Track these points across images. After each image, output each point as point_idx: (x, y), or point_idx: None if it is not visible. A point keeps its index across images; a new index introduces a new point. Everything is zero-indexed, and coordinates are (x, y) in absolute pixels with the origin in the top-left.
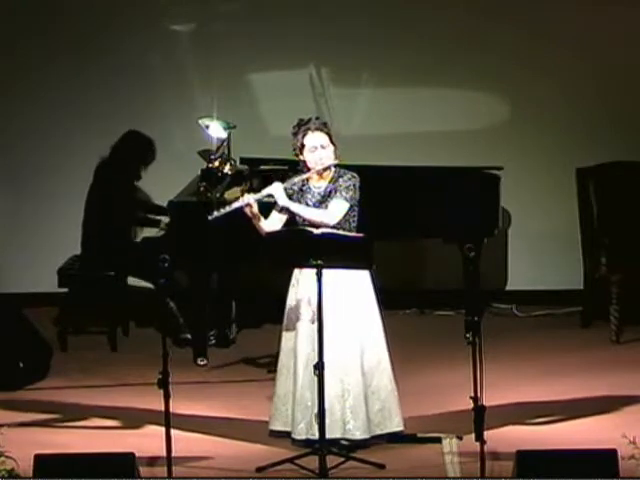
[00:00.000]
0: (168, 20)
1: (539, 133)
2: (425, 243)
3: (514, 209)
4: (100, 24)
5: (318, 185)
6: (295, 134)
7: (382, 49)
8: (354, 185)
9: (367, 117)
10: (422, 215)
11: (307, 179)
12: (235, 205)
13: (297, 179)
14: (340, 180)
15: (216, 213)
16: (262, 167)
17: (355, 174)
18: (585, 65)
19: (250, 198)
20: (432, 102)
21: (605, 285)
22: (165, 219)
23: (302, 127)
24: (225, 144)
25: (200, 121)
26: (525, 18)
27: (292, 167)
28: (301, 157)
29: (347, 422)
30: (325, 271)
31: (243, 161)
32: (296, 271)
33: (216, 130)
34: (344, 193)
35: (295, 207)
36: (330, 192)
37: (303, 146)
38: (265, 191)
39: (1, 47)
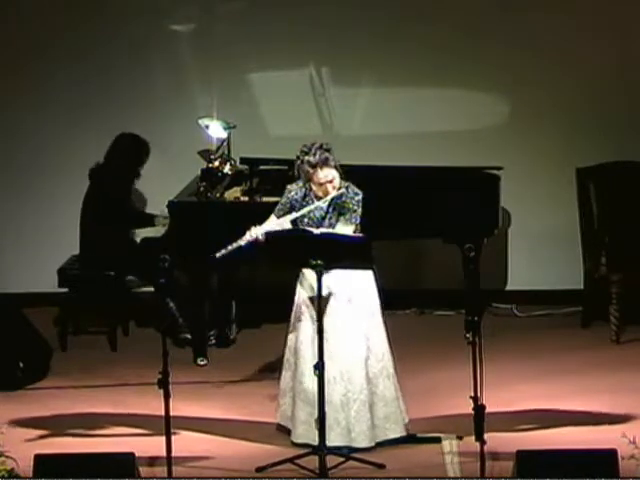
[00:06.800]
0: (168, 20)
1: (539, 133)
2: (425, 243)
3: (514, 209)
4: (100, 24)
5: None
6: (300, 163)
7: (382, 49)
8: (359, 204)
9: (367, 117)
10: (422, 215)
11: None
12: (241, 242)
13: (306, 210)
14: (346, 199)
15: (223, 251)
16: (262, 167)
17: (358, 191)
18: (585, 65)
19: (257, 233)
20: (432, 102)
21: (605, 285)
22: (161, 214)
23: (308, 162)
24: (225, 144)
25: (200, 121)
26: (525, 18)
27: (292, 167)
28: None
29: (351, 430)
30: (330, 273)
31: (243, 161)
32: (304, 270)
33: (216, 130)
34: (350, 217)
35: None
36: (333, 204)
37: (311, 179)
38: (268, 225)
39: (6, 48)
